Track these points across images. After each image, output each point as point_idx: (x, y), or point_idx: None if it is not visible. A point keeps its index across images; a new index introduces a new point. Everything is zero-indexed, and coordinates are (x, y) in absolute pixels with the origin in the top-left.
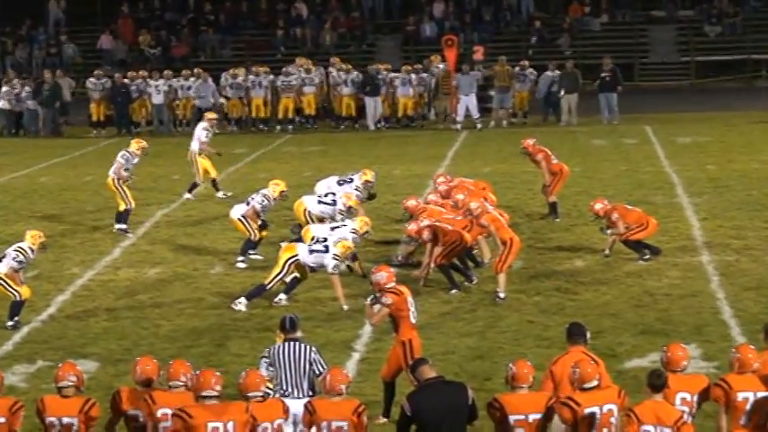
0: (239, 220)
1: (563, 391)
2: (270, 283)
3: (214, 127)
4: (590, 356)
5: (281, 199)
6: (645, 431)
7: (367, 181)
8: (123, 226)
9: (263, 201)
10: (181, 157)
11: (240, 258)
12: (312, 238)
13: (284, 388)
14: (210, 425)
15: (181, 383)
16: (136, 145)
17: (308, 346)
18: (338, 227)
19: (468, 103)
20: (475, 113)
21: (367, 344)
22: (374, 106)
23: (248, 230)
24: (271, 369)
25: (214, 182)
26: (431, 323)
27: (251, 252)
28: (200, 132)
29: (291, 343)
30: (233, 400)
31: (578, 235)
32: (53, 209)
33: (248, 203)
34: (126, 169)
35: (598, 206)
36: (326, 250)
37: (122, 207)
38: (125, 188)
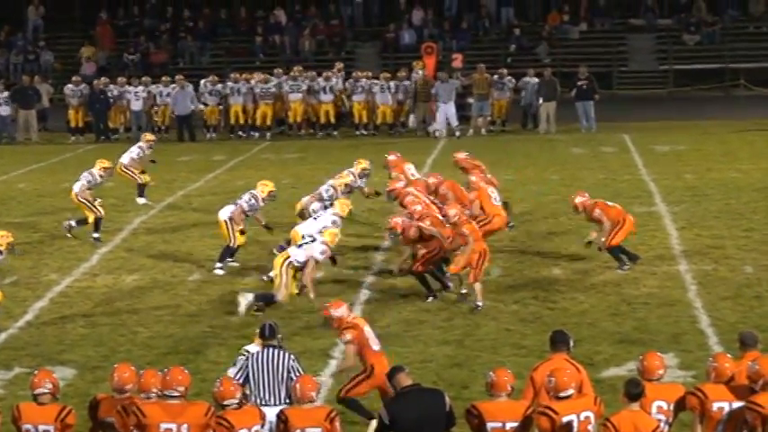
0: (225, 222)
1: (543, 399)
2: (280, 293)
3: (151, 148)
4: (573, 364)
5: (270, 199)
6: None
7: (364, 169)
8: (96, 234)
9: (250, 200)
10: (159, 163)
11: (218, 265)
12: (302, 237)
13: (261, 395)
14: (163, 426)
15: (154, 393)
16: (99, 165)
17: (286, 354)
18: (320, 216)
19: (446, 111)
20: (454, 122)
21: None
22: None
23: (230, 235)
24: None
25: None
26: (408, 331)
27: (229, 259)
28: (135, 149)
29: (270, 350)
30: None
31: (556, 243)
32: (31, 215)
33: (236, 204)
34: (89, 189)
35: (578, 199)
36: (314, 241)
37: (92, 218)
38: (89, 199)
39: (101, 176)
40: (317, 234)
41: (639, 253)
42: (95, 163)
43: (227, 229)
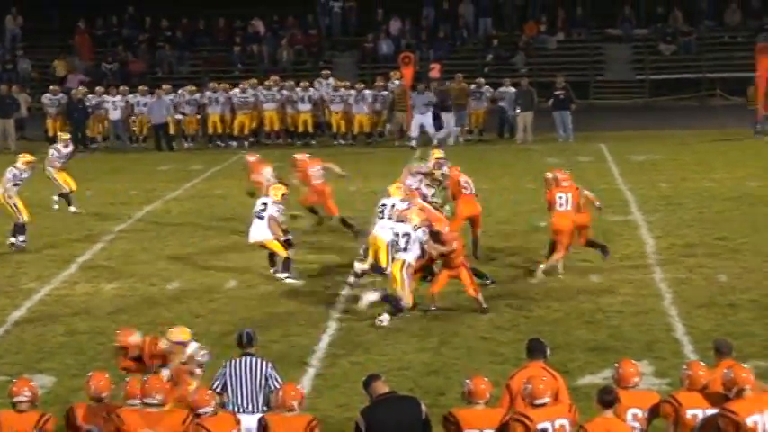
0: (269, 241)
1: (519, 406)
2: (405, 298)
3: (31, 170)
4: (549, 372)
5: (284, 201)
6: None
7: (438, 158)
8: (22, 238)
9: (277, 209)
10: (138, 172)
11: (285, 275)
12: (400, 236)
13: (239, 402)
14: (143, 431)
15: (137, 402)
16: (23, 160)
17: (264, 362)
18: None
19: (423, 121)
20: (431, 131)
21: (322, 359)
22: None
23: (281, 245)
24: (216, 384)
25: (66, 195)
26: (386, 339)
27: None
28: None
29: (248, 358)
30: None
31: (532, 252)
32: (8, 224)
33: (261, 218)
34: (15, 185)
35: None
36: (412, 234)
37: (20, 220)
38: (16, 202)
39: (24, 171)
40: (408, 229)
41: (614, 262)
42: (18, 159)
43: (274, 243)
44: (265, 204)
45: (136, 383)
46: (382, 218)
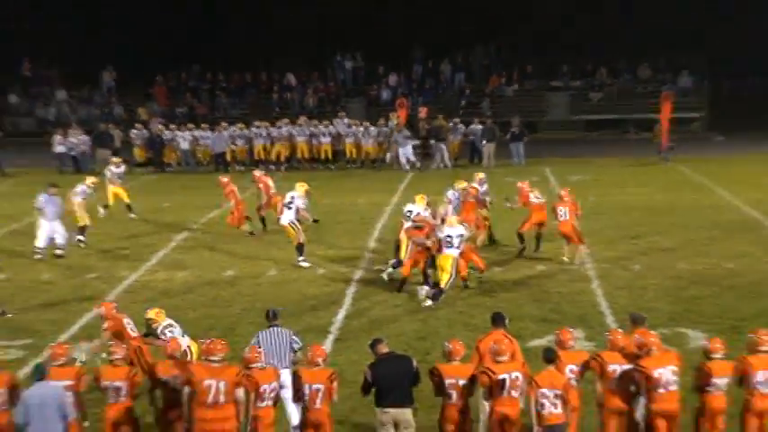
0: (290, 225)
1: (485, 362)
2: (446, 285)
3: (95, 188)
4: (508, 337)
5: (307, 196)
6: (542, 393)
7: (481, 179)
8: (82, 237)
9: (303, 201)
10: (201, 188)
11: (301, 258)
12: (450, 236)
13: (270, 362)
14: (206, 381)
15: (218, 359)
16: (89, 180)
17: (286, 330)
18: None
19: (405, 152)
20: (412, 158)
21: (339, 328)
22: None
23: (298, 233)
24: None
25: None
26: (388, 314)
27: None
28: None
29: (274, 328)
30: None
31: (494, 250)
32: (109, 227)
33: (290, 208)
34: (83, 198)
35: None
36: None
37: (82, 223)
38: (77, 210)
39: (91, 188)
40: (464, 231)
41: (556, 258)
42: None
43: (294, 229)
44: (293, 197)
45: (210, 344)
46: (408, 219)
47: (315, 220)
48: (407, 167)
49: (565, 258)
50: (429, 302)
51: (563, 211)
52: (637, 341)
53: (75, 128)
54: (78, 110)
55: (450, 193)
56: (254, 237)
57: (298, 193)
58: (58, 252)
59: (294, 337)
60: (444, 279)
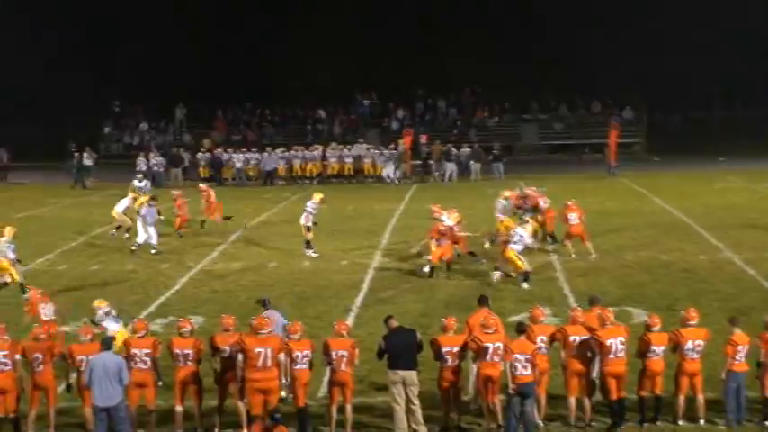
0: (304, 225)
1: (474, 333)
2: (527, 269)
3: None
4: (491, 315)
5: (322, 204)
6: (515, 358)
7: (535, 189)
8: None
9: (312, 205)
10: (252, 198)
11: (309, 251)
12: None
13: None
14: (256, 349)
15: (265, 332)
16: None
17: (279, 313)
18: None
19: (387, 171)
20: (392, 175)
21: (359, 306)
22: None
23: (307, 233)
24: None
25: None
26: (396, 297)
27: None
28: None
29: (269, 311)
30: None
31: (482, 247)
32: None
33: (305, 212)
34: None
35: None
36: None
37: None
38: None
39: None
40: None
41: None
42: (314, 195)
43: (306, 229)
44: (308, 203)
45: (259, 320)
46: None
47: (314, 223)
48: (388, 181)
49: (572, 255)
50: (525, 285)
51: (573, 216)
52: (599, 317)
53: (153, 152)
54: (156, 137)
55: (499, 202)
56: (183, 237)
57: (313, 200)
58: (153, 251)
59: (284, 320)
60: (520, 264)
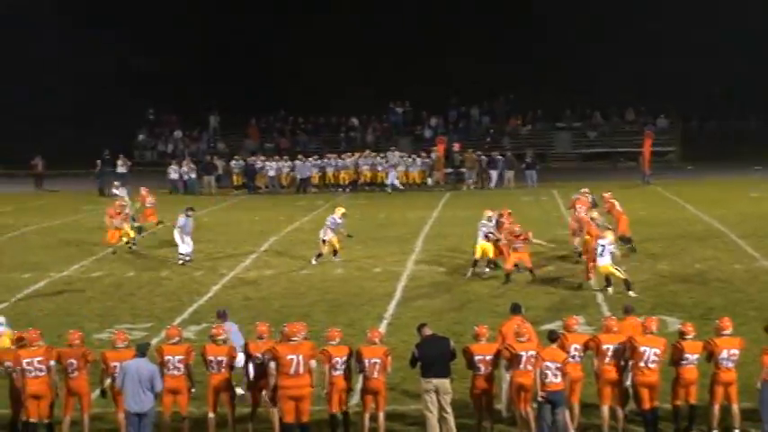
0: (323, 239)
1: (507, 341)
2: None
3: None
4: (524, 323)
5: (344, 218)
6: (545, 365)
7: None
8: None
9: (332, 221)
10: (285, 206)
11: (315, 260)
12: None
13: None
14: (289, 356)
15: (296, 339)
16: (339, 211)
17: (234, 325)
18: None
19: (391, 178)
20: (395, 182)
21: (392, 314)
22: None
23: (322, 246)
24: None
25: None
26: (429, 304)
27: (318, 258)
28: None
29: (226, 323)
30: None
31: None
32: (211, 236)
33: (328, 228)
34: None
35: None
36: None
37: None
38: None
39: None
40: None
41: (563, 260)
42: (336, 210)
43: (323, 242)
44: (330, 219)
45: (291, 326)
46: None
47: (349, 235)
48: (389, 190)
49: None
50: (632, 293)
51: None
52: (642, 324)
53: (186, 159)
54: (190, 145)
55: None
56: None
57: (334, 215)
58: (181, 261)
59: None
60: (619, 274)
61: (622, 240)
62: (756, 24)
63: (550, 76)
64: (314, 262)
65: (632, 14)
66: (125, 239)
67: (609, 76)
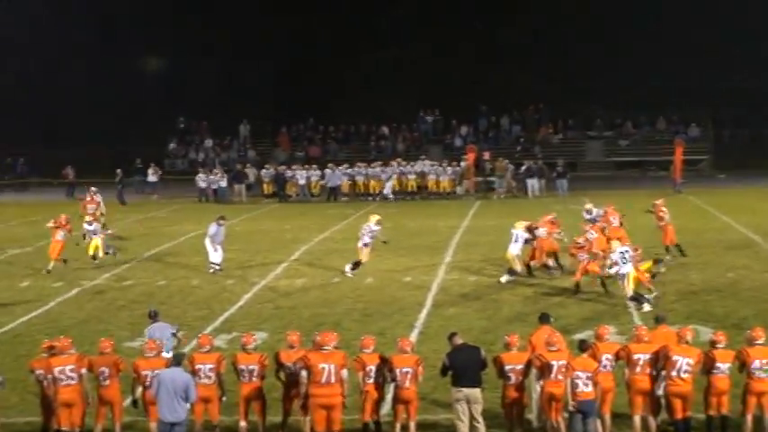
0: (362, 246)
1: (538, 350)
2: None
3: (224, 223)
4: (554, 332)
5: (379, 226)
6: (576, 375)
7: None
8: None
9: (369, 229)
10: (315, 215)
11: (351, 269)
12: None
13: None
14: (321, 365)
15: (328, 348)
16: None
17: (167, 324)
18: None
19: (387, 188)
20: (387, 191)
21: (422, 323)
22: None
23: (362, 255)
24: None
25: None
26: (459, 314)
27: (351, 269)
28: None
29: (158, 322)
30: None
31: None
32: (242, 244)
33: (364, 234)
34: (373, 232)
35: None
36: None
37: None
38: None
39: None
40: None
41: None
42: (370, 218)
43: (362, 251)
44: (366, 227)
45: (323, 335)
46: (515, 242)
47: (383, 241)
48: (387, 197)
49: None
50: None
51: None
52: (678, 333)
53: (217, 167)
54: (221, 154)
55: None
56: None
57: (369, 224)
58: (212, 270)
59: (172, 328)
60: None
61: (668, 250)
62: None
63: (580, 84)
64: (348, 272)
65: (662, 25)
66: (92, 252)
67: (641, 85)
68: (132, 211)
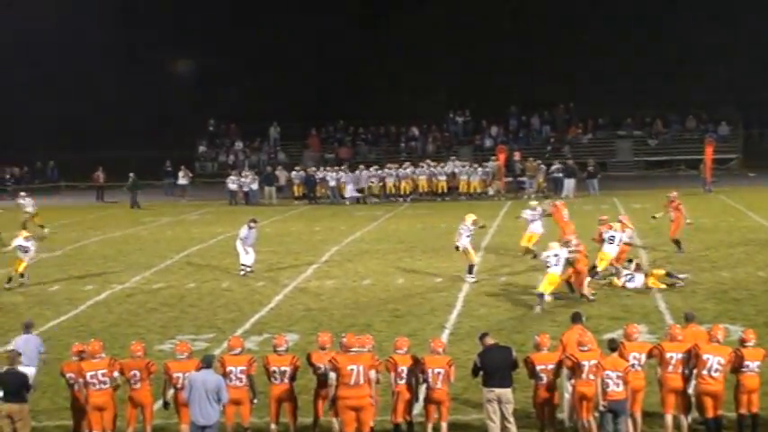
0: (465, 249)
1: (569, 350)
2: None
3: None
4: (585, 332)
5: (476, 226)
6: (606, 375)
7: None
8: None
9: (467, 230)
10: (345, 216)
11: (470, 277)
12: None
13: (23, 360)
14: (349, 366)
15: (356, 349)
16: (470, 218)
17: (35, 337)
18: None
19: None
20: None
21: (453, 324)
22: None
23: (471, 255)
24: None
25: None
26: (490, 314)
27: (470, 276)
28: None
29: (28, 335)
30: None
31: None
32: (272, 246)
33: (461, 233)
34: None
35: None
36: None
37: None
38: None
39: (473, 226)
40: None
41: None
42: (466, 218)
43: (469, 251)
44: (463, 227)
45: (351, 337)
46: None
47: (482, 226)
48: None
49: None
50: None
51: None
52: (709, 332)
53: (247, 170)
54: (251, 156)
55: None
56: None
57: (465, 223)
58: (242, 273)
59: (40, 346)
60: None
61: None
62: None
63: (609, 84)
64: (469, 279)
65: (690, 24)
66: (21, 270)
67: (669, 84)
68: (162, 213)
